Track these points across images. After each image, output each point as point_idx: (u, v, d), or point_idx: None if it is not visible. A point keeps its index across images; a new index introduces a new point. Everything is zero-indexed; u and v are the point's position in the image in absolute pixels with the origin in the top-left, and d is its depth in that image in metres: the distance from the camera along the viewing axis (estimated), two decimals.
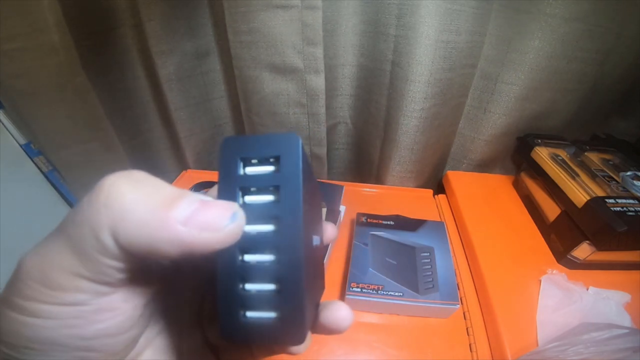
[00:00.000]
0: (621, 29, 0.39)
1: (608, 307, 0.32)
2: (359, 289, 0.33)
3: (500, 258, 0.38)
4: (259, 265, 0.12)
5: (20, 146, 0.50)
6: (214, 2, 0.44)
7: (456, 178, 0.51)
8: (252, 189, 0.13)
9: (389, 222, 0.41)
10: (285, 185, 0.12)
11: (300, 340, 0.12)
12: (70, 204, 0.59)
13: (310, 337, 0.14)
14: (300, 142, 0.12)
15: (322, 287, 0.19)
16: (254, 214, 0.12)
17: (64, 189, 0.57)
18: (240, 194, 0.13)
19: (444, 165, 0.57)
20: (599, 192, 0.35)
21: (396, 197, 0.51)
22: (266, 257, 0.12)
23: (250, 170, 0.13)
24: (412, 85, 0.41)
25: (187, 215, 0.11)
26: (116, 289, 0.12)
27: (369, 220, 0.42)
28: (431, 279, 0.34)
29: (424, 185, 0.53)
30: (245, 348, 0.17)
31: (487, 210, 0.46)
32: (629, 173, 0.38)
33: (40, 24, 0.37)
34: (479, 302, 0.36)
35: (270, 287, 0.12)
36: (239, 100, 0.50)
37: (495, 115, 0.46)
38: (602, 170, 0.39)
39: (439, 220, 0.44)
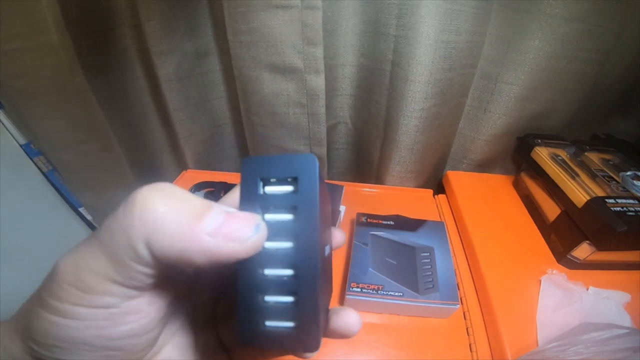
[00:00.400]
0: (621, 29, 0.39)
1: (608, 307, 0.32)
2: (359, 289, 0.33)
3: (500, 258, 0.38)
4: (277, 279, 0.13)
5: (20, 146, 0.50)
6: (213, 2, 0.44)
7: (456, 178, 0.51)
8: (272, 208, 0.13)
9: (389, 222, 0.41)
10: (303, 206, 0.13)
11: (315, 347, 0.13)
12: (71, 204, 0.59)
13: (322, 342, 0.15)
14: (317, 163, 0.13)
15: (331, 292, 0.19)
16: (273, 231, 0.13)
17: (64, 189, 0.57)
18: (260, 212, 0.13)
19: (444, 165, 0.56)
20: (599, 192, 0.35)
21: (396, 197, 0.51)
22: (285, 272, 0.13)
23: (270, 189, 0.14)
24: (412, 85, 0.41)
25: (214, 227, 0.12)
26: (143, 292, 0.13)
27: (369, 220, 0.42)
28: (431, 279, 0.34)
29: (424, 185, 0.53)
30: (256, 349, 0.18)
31: (487, 210, 0.46)
32: (629, 173, 0.38)
33: (39, 24, 0.37)
34: (479, 302, 0.36)
35: (288, 299, 0.13)
36: (239, 101, 0.50)
37: (495, 115, 0.46)
38: (602, 170, 0.39)
39: (439, 220, 0.43)
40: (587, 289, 0.34)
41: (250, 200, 0.13)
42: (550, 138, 0.46)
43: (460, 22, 0.38)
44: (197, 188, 0.49)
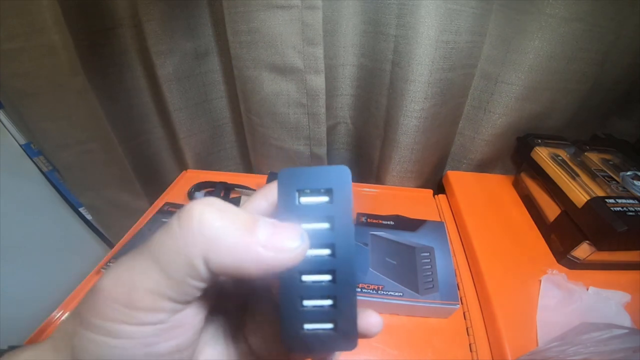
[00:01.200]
0: (621, 28, 0.39)
1: (608, 307, 0.32)
2: (359, 289, 0.33)
3: (500, 258, 0.38)
4: (316, 284, 0.14)
5: (20, 146, 0.50)
6: (213, 2, 0.44)
7: (456, 178, 0.51)
8: (308, 218, 0.14)
9: (389, 222, 0.41)
10: (339, 216, 0.14)
11: (353, 346, 0.14)
12: (71, 204, 0.59)
13: None
14: (350, 175, 0.14)
15: None
16: (311, 239, 0.14)
17: (64, 189, 0.57)
18: (298, 222, 0.14)
19: (444, 165, 0.57)
20: (599, 192, 0.35)
21: (396, 197, 0.51)
22: (323, 277, 0.14)
23: (305, 200, 0.14)
24: (412, 85, 0.41)
25: (266, 239, 0.12)
26: (189, 305, 0.13)
27: (369, 220, 0.42)
28: (431, 279, 0.34)
29: (424, 185, 0.53)
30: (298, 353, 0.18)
31: (487, 210, 0.46)
32: (629, 173, 0.38)
33: (39, 24, 0.37)
34: (479, 302, 0.36)
35: (327, 302, 0.14)
36: (239, 101, 0.50)
37: (495, 115, 0.46)
38: (602, 170, 0.39)
39: (439, 220, 0.44)
40: (587, 289, 0.34)
41: (288, 211, 0.14)
42: (550, 138, 0.46)
43: (460, 22, 0.38)
44: (197, 188, 0.49)
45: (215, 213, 0.12)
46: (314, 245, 0.14)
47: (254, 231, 0.12)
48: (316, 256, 0.14)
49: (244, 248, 0.12)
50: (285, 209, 0.14)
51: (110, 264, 0.37)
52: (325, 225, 0.14)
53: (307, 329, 0.14)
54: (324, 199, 0.14)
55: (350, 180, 0.14)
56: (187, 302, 0.13)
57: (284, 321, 0.14)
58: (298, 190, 0.14)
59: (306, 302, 0.14)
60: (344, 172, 0.14)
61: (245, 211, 0.13)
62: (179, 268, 0.12)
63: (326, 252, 0.14)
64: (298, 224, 0.13)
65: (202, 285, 0.12)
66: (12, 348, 0.15)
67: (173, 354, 0.13)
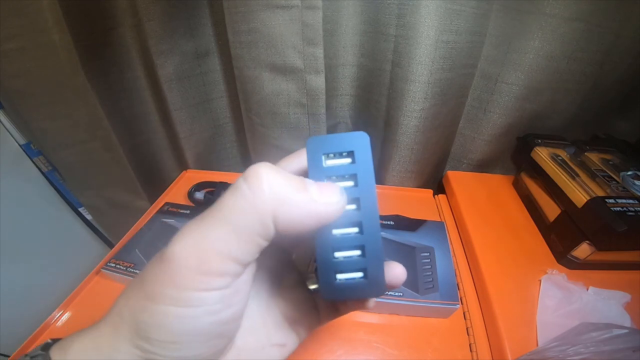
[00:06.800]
0: (621, 29, 0.39)
1: (608, 307, 0.32)
2: None
3: (500, 258, 0.38)
4: (346, 236, 0.15)
5: (20, 146, 0.50)
6: (213, 2, 0.44)
7: (456, 178, 0.51)
8: (334, 177, 0.16)
9: (389, 222, 0.41)
10: (362, 174, 0.15)
11: (382, 291, 0.15)
12: (71, 204, 0.59)
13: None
14: (369, 138, 0.15)
15: None
16: None
17: (64, 189, 0.57)
18: (326, 181, 0.16)
19: (444, 165, 0.57)
20: (599, 192, 0.35)
21: (396, 197, 0.51)
22: (352, 230, 0.15)
23: (331, 162, 0.16)
24: (412, 85, 0.41)
25: (317, 195, 0.13)
26: (245, 270, 0.14)
27: None
28: (431, 279, 0.34)
29: (424, 185, 0.53)
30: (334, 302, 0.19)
31: (487, 210, 0.46)
32: (629, 172, 0.38)
33: (39, 24, 0.37)
34: (479, 302, 0.36)
35: (356, 252, 0.16)
36: (239, 101, 0.50)
37: (495, 115, 0.46)
38: (602, 170, 0.39)
39: (439, 220, 0.44)
40: (587, 289, 0.34)
41: (318, 172, 0.15)
42: (550, 138, 0.46)
43: (460, 22, 0.38)
44: (197, 188, 0.49)
45: (278, 175, 0.13)
46: None
47: (307, 189, 0.13)
48: (345, 211, 0.15)
49: (304, 203, 0.13)
50: (315, 171, 0.16)
51: (111, 264, 0.37)
52: (350, 184, 0.16)
53: (340, 279, 0.15)
54: (347, 160, 0.16)
55: (369, 143, 0.15)
56: (247, 265, 0.13)
57: (320, 272, 0.15)
58: (324, 154, 0.16)
59: (338, 254, 0.15)
60: (363, 136, 0.15)
61: (290, 173, 0.14)
62: (250, 226, 0.12)
63: (352, 206, 0.15)
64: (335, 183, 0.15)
65: (265, 244, 0.13)
66: (55, 341, 0.14)
67: (230, 323, 0.14)
